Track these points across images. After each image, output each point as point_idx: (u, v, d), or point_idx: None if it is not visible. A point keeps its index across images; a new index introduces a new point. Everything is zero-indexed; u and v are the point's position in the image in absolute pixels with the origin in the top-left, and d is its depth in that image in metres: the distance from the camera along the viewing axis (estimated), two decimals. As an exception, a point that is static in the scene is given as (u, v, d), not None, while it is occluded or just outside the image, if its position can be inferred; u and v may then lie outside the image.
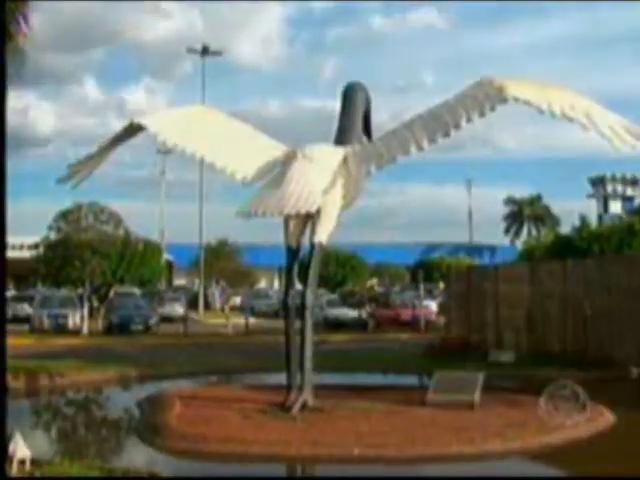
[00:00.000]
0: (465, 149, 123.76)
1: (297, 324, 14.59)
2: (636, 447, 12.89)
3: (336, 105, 16.01)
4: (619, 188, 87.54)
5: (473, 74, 14.05)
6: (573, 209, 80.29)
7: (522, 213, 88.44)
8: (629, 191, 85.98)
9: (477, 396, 14.81)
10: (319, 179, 14.04)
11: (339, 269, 63.73)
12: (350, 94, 15.83)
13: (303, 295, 14.21)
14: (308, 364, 14.12)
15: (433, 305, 42.91)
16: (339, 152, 14.64)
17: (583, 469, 11.73)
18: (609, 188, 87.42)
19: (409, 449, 12.00)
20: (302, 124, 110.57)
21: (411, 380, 20.14)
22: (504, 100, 12.85)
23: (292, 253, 14.88)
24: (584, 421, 13.67)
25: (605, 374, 19.89)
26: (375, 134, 15.67)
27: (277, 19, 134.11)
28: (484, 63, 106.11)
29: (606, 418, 14.27)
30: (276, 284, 73.71)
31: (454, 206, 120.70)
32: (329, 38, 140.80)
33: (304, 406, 13.99)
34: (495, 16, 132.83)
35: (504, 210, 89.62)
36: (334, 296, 49.75)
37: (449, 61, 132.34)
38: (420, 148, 13.11)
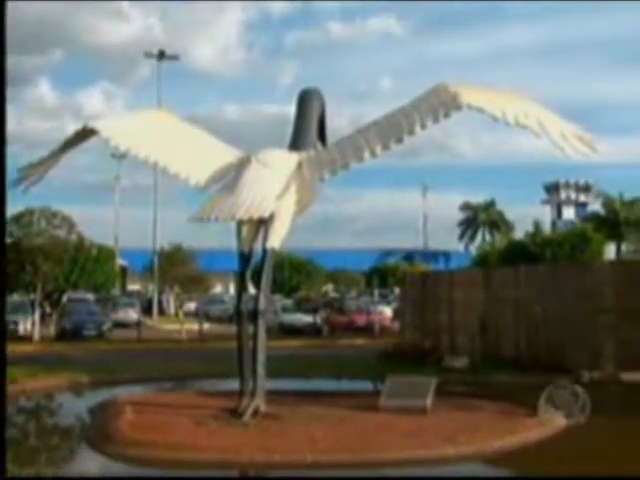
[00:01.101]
0: (422, 155, 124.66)
1: (250, 329, 14.54)
2: (585, 450, 13.02)
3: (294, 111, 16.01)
4: (572, 195, 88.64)
5: (431, 81, 14.14)
6: (527, 215, 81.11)
7: (477, 219, 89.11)
8: (582, 197, 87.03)
9: (429, 401, 14.88)
10: (273, 184, 14.03)
11: (294, 274, 63.61)
12: (305, 100, 15.84)
13: (256, 300, 14.17)
14: (261, 370, 14.08)
15: (388, 311, 43.07)
16: (293, 158, 14.64)
17: (534, 472, 11.85)
18: (563, 194, 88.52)
19: (362, 454, 12.00)
20: (260, 129, 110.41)
21: (365, 385, 20.12)
22: (458, 107, 12.92)
23: (245, 258, 14.84)
24: (534, 425, 13.82)
25: (557, 378, 20.06)
26: (334, 140, 15.68)
27: (236, 24, 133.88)
28: (442, 70, 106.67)
29: (557, 422, 14.40)
30: (232, 289, 73.43)
31: (410, 212, 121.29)
32: (288, 43, 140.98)
33: (256, 412, 13.94)
34: (453, 23, 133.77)
35: (460, 216, 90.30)
36: (289, 302, 49.69)
37: (408, 67, 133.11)
38: (374, 154, 13.15)
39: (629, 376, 20.89)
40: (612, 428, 14.54)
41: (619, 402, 18.81)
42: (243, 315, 14.73)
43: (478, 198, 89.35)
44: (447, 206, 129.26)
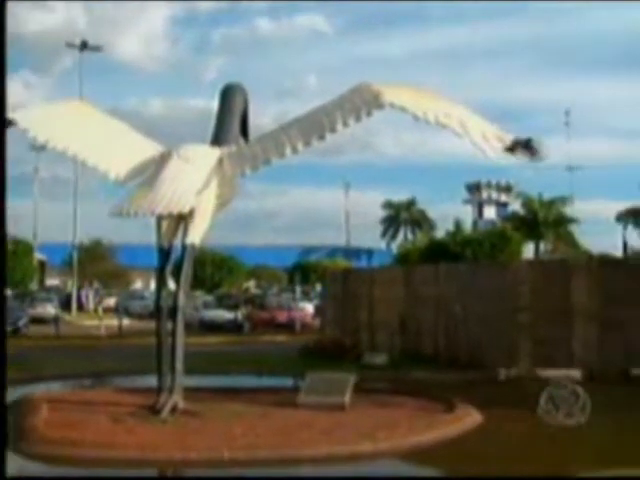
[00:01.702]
0: (345, 153, 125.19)
1: (169, 325, 14.40)
2: (501, 446, 13.20)
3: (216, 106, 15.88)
4: (494, 194, 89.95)
5: (356, 79, 14.17)
6: (449, 214, 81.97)
7: (399, 217, 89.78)
8: (503, 198, 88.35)
9: (348, 397, 14.93)
10: (193, 180, 13.92)
11: (216, 271, 63.34)
12: (228, 95, 15.74)
13: (175, 296, 14.05)
14: (179, 366, 13.96)
15: (309, 307, 43.17)
16: (215, 153, 14.54)
17: (451, 468, 11.97)
18: (484, 194, 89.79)
19: (280, 451, 11.97)
20: (184, 124, 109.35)
21: (285, 382, 20.12)
22: (381, 106, 12.97)
23: (164, 254, 14.68)
24: (452, 420, 13.99)
25: (475, 376, 20.34)
26: (256, 136, 15.60)
27: (162, 18, 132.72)
28: (367, 69, 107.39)
29: (474, 418, 14.57)
30: (152, 285, 72.68)
31: (333, 209, 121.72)
32: (214, 39, 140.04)
33: (174, 409, 13.81)
34: (380, 24, 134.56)
35: (382, 214, 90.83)
36: (210, 298, 49.42)
37: (334, 66, 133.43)
38: (295, 150, 13.15)
39: (545, 373, 21.29)
40: (529, 423, 14.78)
41: (534, 398, 19.11)
42: (162, 311, 14.59)
43: (401, 196, 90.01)
44: (370, 204, 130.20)
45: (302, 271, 59.37)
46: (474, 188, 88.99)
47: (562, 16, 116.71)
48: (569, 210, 67.71)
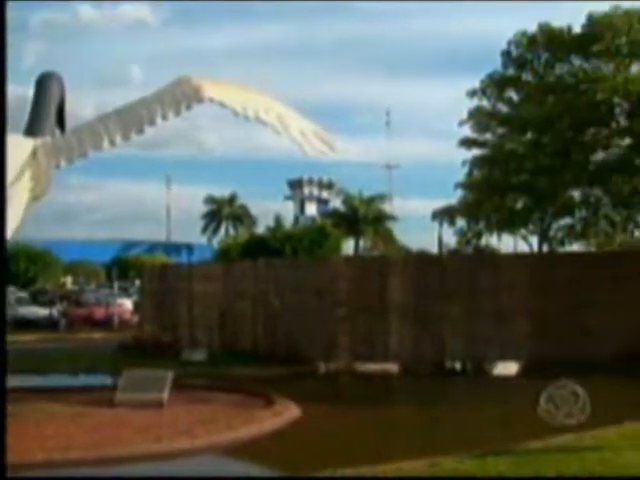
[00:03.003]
0: (169, 147, 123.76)
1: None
2: (319, 439, 13.40)
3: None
4: (315, 191, 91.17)
5: (180, 72, 14.03)
6: (272, 210, 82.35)
7: (221, 212, 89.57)
8: (325, 194, 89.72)
9: (166, 394, 14.80)
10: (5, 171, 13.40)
11: (30, 266, 61.16)
12: (44, 84, 15.23)
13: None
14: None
15: (128, 303, 42.45)
16: (28, 143, 14.02)
17: (269, 462, 12.04)
18: (306, 191, 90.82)
19: (95, 450, 11.71)
20: None
21: (102, 380, 19.73)
22: (200, 100, 12.87)
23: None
24: (270, 415, 14.09)
25: (294, 370, 20.57)
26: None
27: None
28: (191, 62, 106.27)
29: (293, 412, 14.73)
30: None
31: (154, 204, 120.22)
32: (33, 23, 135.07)
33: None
34: (205, 17, 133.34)
35: (204, 209, 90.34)
36: (24, 294, 47.80)
37: (158, 58, 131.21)
38: (113, 144, 12.86)
39: (363, 367, 21.80)
40: (347, 417, 15.07)
41: (353, 392, 19.53)
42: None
43: (224, 192, 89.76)
44: (192, 199, 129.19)
45: (120, 266, 58.28)
46: (296, 184, 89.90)
47: (384, 18, 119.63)
48: (388, 207, 69.67)
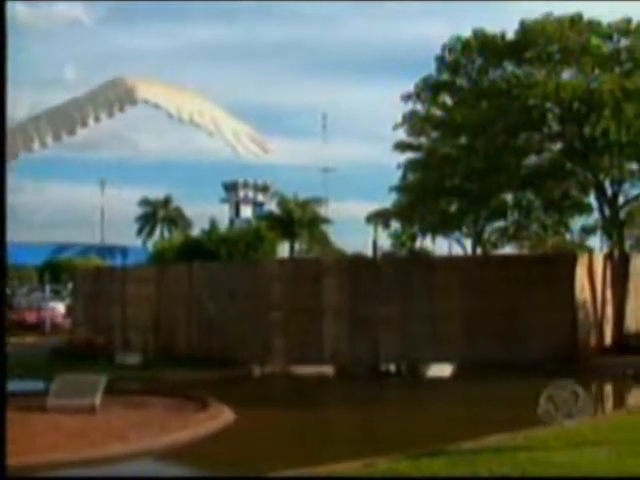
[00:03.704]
0: (103, 148, 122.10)
1: None
2: (254, 443, 13.36)
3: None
4: (251, 194, 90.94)
5: (115, 73, 13.82)
6: (207, 213, 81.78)
7: (156, 215, 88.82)
8: (260, 197, 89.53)
9: (98, 399, 14.63)
10: None
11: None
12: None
13: None
14: None
15: (61, 307, 41.81)
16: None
17: (204, 466, 11.99)
18: (241, 194, 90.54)
19: (26, 457, 11.51)
20: None
21: (35, 385, 19.42)
22: (134, 102, 12.71)
23: None
24: (205, 419, 14.02)
25: (230, 373, 20.51)
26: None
27: None
28: (128, 62, 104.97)
29: (227, 416, 14.67)
30: None
31: (88, 206, 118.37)
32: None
33: None
34: (140, 17, 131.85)
35: (138, 211, 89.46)
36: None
37: (93, 58, 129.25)
38: (44, 145, 12.65)
39: (298, 370, 21.83)
40: (281, 420, 15.08)
41: (288, 395, 19.53)
42: None
43: (159, 194, 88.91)
44: (126, 201, 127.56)
45: (53, 270, 57.37)
46: (231, 187, 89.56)
47: (320, 21, 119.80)
48: (323, 211, 69.77)
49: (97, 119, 12.58)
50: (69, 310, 35.64)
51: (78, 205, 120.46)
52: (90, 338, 25.80)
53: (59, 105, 13.32)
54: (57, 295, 45.89)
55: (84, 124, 12.58)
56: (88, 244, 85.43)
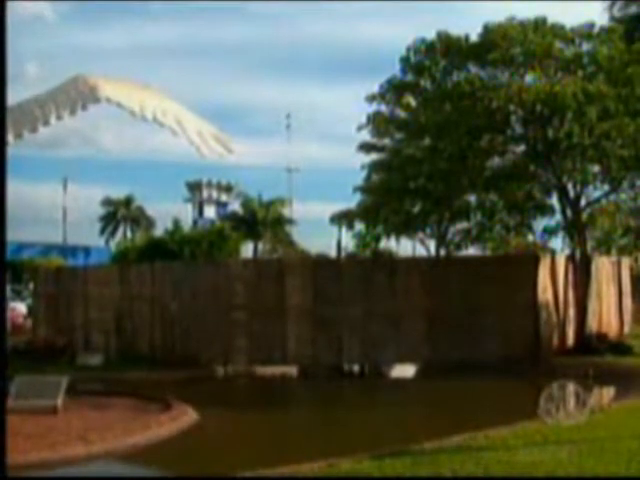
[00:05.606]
0: (66, 147, 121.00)
1: None
2: (217, 443, 13.35)
3: None
4: (214, 194, 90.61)
5: (79, 69, 13.71)
6: (170, 212, 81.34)
7: (118, 214, 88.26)
8: (224, 197, 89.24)
9: (60, 400, 14.49)
10: None
11: None
12: None
13: None
14: None
15: (22, 307, 41.42)
16: None
17: (168, 467, 11.94)
18: (205, 193, 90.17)
19: (-17, 460, 11.36)
20: None
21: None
22: (97, 100, 12.59)
23: None
24: (167, 420, 13.94)
25: (192, 374, 20.42)
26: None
27: None
28: (91, 59, 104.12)
29: (190, 417, 14.61)
30: None
31: (50, 205, 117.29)
32: None
33: None
34: (105, 13, 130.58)
35: (101, 210, 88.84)
36: None
37: (55, 54, 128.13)
38: (5, 143, 12.53)
39: (262, 370, 21.79)
40: (244, 420, 15.04)
41: (251, 395, 19.51)
42: None
43: (121, 193, 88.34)
44: (89, 200, 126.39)
45: (14, 269, 56.75)
46: (195, 187, 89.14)
47: (283, 20, 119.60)
48: (287, 211, 69.75)
49: (59, 117, 12.44)
50: (30, 310, 35.32)
51: (40, 204, 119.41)
52: (51, 339, 25.55)
53: (20, 102, 13.16)
54: (18, 295, 45.42)
55: (46, 122, 12.45)
56: (50, 243, 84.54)
